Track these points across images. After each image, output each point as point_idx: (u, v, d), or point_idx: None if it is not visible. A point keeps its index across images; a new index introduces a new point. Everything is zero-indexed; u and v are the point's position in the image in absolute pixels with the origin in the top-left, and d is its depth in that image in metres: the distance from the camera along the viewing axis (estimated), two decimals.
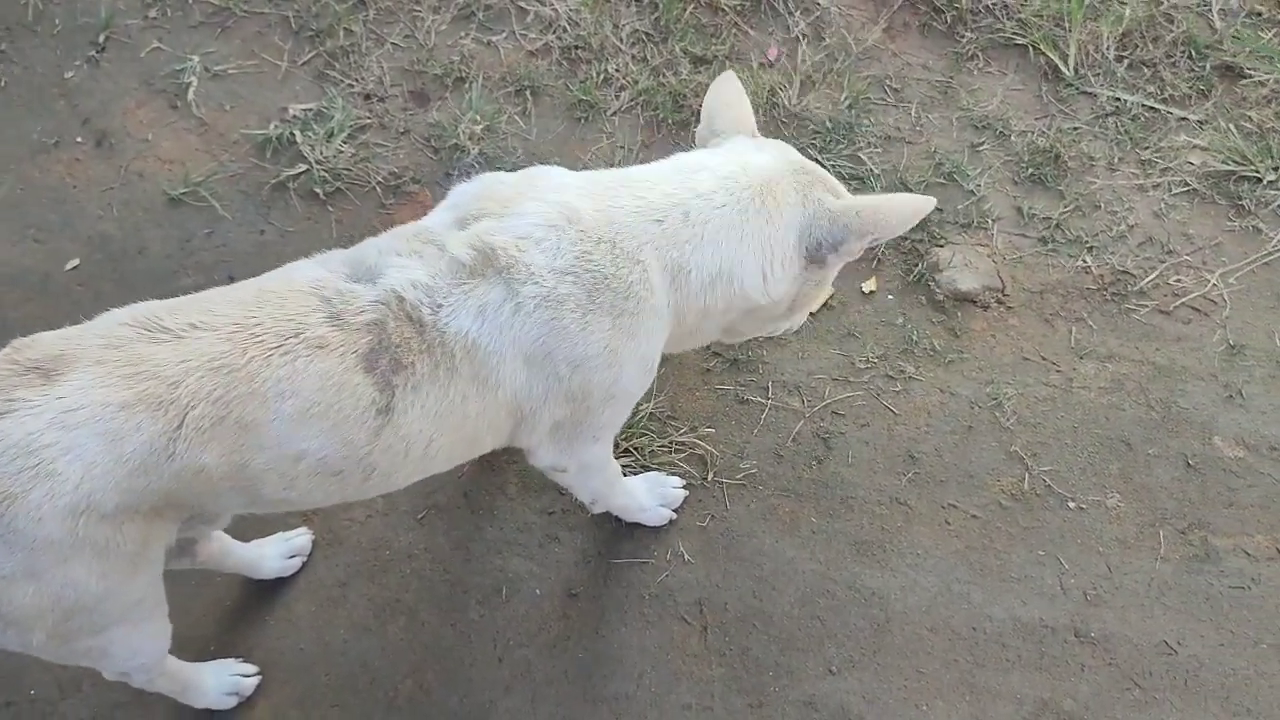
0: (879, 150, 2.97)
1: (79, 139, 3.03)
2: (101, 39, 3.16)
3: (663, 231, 1.86)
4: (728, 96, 2.09)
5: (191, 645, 2.34)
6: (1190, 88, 3.07)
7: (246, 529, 2.35)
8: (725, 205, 1.89)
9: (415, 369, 1.73)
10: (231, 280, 2.74)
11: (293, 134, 2.99)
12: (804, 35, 3.17)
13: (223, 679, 2.29)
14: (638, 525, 2.47)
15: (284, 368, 1.65)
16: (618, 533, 2.47)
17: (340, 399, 1.69)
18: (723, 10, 3.20)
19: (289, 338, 1.67)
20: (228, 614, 2.41)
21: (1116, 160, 2.98)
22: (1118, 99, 3.06)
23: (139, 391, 1.59)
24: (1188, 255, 2.84)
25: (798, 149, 2.92)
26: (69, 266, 2.84)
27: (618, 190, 1.89)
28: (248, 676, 2.31)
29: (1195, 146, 2.98)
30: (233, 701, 2.29)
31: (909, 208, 1.99)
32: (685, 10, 3.19)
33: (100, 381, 1.58)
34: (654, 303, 1.88)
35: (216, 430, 1.63)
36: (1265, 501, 2.51)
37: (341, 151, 2.97)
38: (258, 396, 1.64)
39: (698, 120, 2.97)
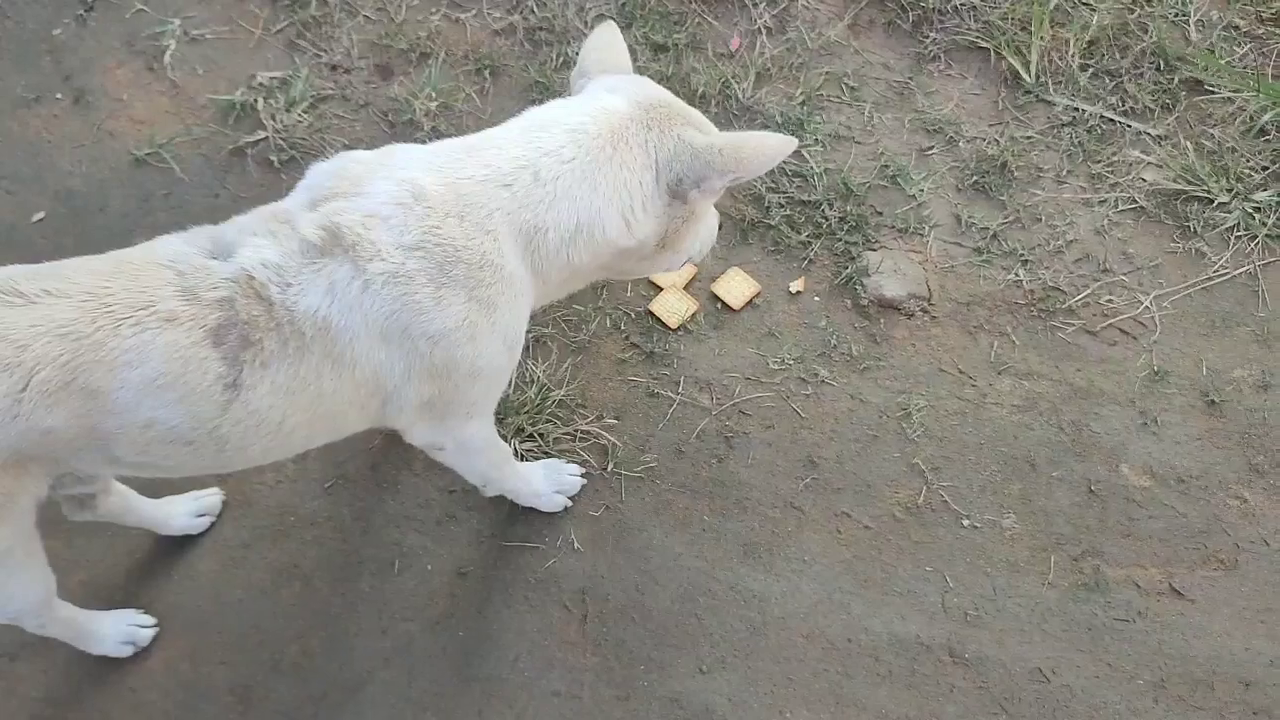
0: (825, 149, 2.94)
1: (59, 95, 3.13)
2: None
3: (513, 196, 1.86)
4: (601, 41, 2.10)
5: (100, 594, 2.45)
6: (1154, 101, 2.97)
7: (162, 486, 2.45)
8: (574, 159, 1.89)
9: (263, 346, 1.77)
10: None
11: (256, 101, 3.05)
12: (767, 27, 3.13)
13: (120, 628, 2.39)
14: (533, 510, 2.51)
15: (132, 338, 1.70)
16: (512, 515, 2.51)
17: (187, 371, 1.73)
18: None
19: (139, 309, 1.71)
20: (136, 566, 2.51)
21: (1065, 173, 2.90)
22: (1076, 109, 2.98)
23: None
24: (1124, 275, 2.76)
25: None
26: (35, 218, 2.95)
27: (464, 160, 1.89)
28: (145, 628, 2.41)
29: (1149, 163, 2.89)
30: (128, 650, 2.39)
31: (771, 147, 1.98)
32: None
33: None
34: (509, 270, 1.88)
35: (61, 395, 1.69)
36: (1164, 534, 2.46)
37: (300, 120, 3.03)
38: (104, 364, 1.69)
39: None
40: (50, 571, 2.07)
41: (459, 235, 1.83)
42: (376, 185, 1.84)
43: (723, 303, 2.75)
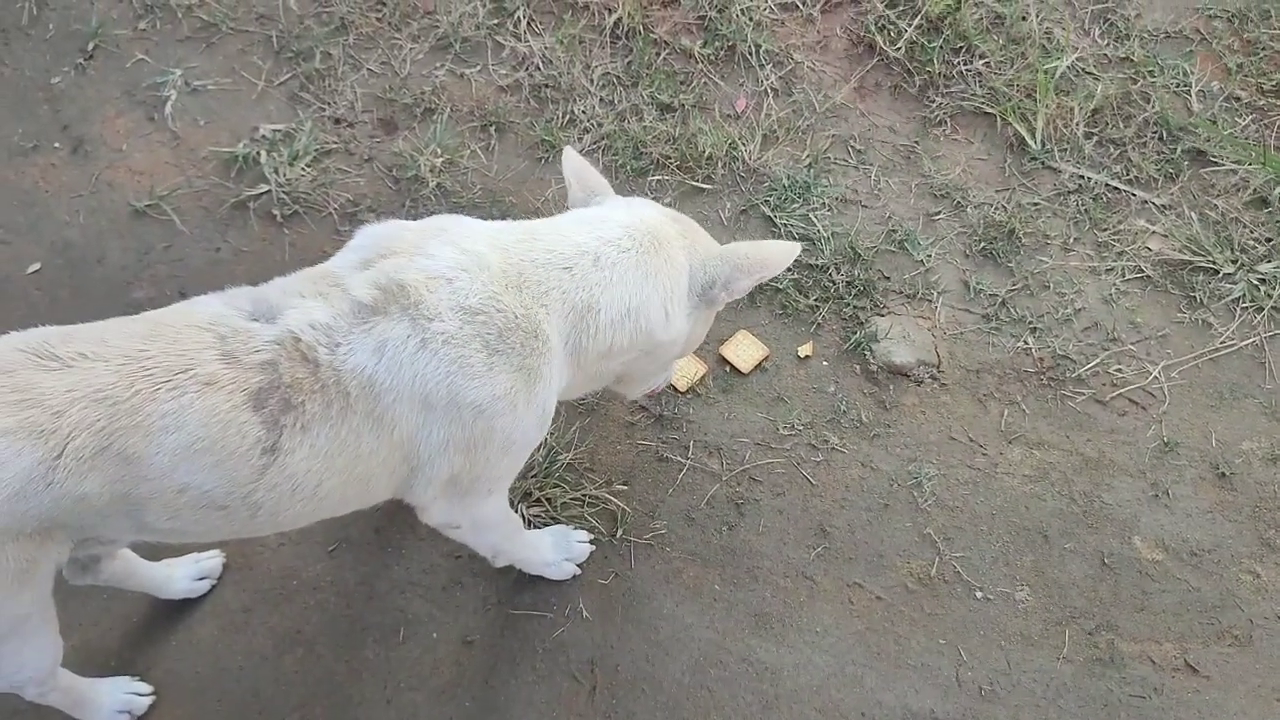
0: (832, 213, 2.94)
1: (56, 144, 3.10)
2: (90, 47, 3.22)
3: (572, 277, 1.94)
4: (573, 168, 2.20)
5: (95, 659, 2.39)
6: (1158, 170, 3.01)
7: (161, 549, 2.40)
8: (631, 249, 1.99)
9: (305, 409, 1.75)
10: (183, 295, 2.83)
11: (259, 154, 3.03)
12: (773, 89, 3.15)
13: (117, 696, 2.32)
14: (541, 577, 2.47)
15: (169, 402, 1.68)
16: (520, 583, 2.47)
17: (225, 436, 1.71)
18: (695, 58, 3.19)
19: (178, 373, 1.70)
20: (133, 630, 2.45)
21: (1072, 240, 2.92)
22: (1081, 176, 3.00)
23: (21, 419, 1.62)
24: (1132, 344, 2.78)
25: (751, 205, 2.95)
26: (30, 270, 2.90)
27: (527, 241, 1.96)
28: (142, 695, 2.35)
29: (1154, 232, 2.91)
30: (124, 719, 2.33)
31: (783, 251, 2.15)
32: (659, 56, 3.19)
33: None
34: (553, 346, 1.93)
35: (97, 460, 1.66)
36: (1178, 609, 2.45)
37: (304, 175, 3.00)
38: (141, 430, 1.67)
39: (656, 168, 3.00)
40: (59, 639, 2.02)
41: (516, 305, 1.87)
42: (440, 249, 1.87)
43: (731, 366, 2.73)
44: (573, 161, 2.21)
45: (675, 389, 2.70)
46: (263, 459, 1.74)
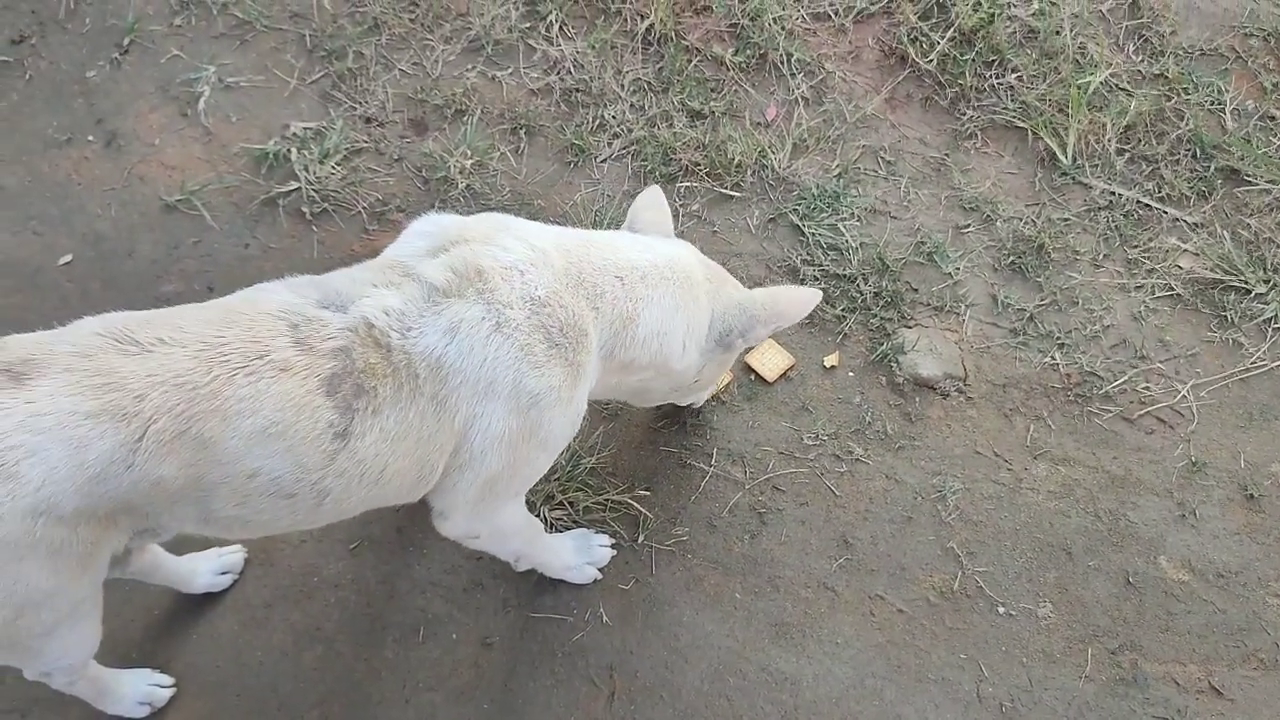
0: (861, 223, 2.94)
1: (90, 138, 3.12)
2: (126, 42, 3.24)
3: (623, 286, 2.03)
4: (650, 202, 2.32)
5: (116, 650, 2.39)
6: (1190, 188, 2.99)
7: (184, 543, 2.40)
8: (670, 279, 2.10)
9: (377, 393, 1.80)
10: (210, 291, 2.85)
11: (289, 152, 3.04)
12: (804, 98, 3.14)
13: (139, 688, 2.34)
14: (562, 580, 2.47)
15: (246, 387, 1.72)
16: (540, 586, 2.47)
17: (299, 420, 1.74)
18: (726, 66, 3.19)
19: (254, 359, 1.74)
20: (155, 623, 2.46)
21: (1102, 257, 2.90)
22: (1113, 193, 2.99)
23: (105, 402, 1.65)
24: (1161, 363, 2.76)
25: (779, 213, 2.94)
26: (62, 261, 2.92)
27: (586, 246, 2.05)
28: (163, 687, 2.36)
29: (1186, 250, 2.90)
30: (145, 711, 2.34)
31: (803, 300, 2.29)
32: (690, 63, 3.19)
33: (68, 389, 1.65)
34: (593, 348, 2.01)
35: (176, 444, 1.69)
36: (1203, 631, 2.43)
37: (334, 173, 3.01)
38: (219, 414, 1.71)
39: (686, 175, 3.00)
40: (101, 629, 2.04)
41: (573, 303, 1.95)
42: (510, 242, 1.94)
43: (756, 374, 2.73)
44: (657, 195, 2.34)
45: (763, 378, 2.71)
46: (334, 444, 1.78)
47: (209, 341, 1.73)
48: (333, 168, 3.02)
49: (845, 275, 2.86)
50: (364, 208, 2.97)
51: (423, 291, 1.87)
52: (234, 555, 2.50)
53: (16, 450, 1.61)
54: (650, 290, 2.07)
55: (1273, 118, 3.08)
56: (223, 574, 2.48)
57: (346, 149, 3.05)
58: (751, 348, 2.63)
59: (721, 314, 2.20)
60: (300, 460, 1.77)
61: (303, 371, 1.75)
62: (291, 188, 3.00)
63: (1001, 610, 2.46)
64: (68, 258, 2.92)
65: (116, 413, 1.65)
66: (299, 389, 1.74)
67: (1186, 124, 3.05)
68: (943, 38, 3.18)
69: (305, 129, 3.10)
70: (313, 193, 2.98)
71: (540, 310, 1.90)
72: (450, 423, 1.88)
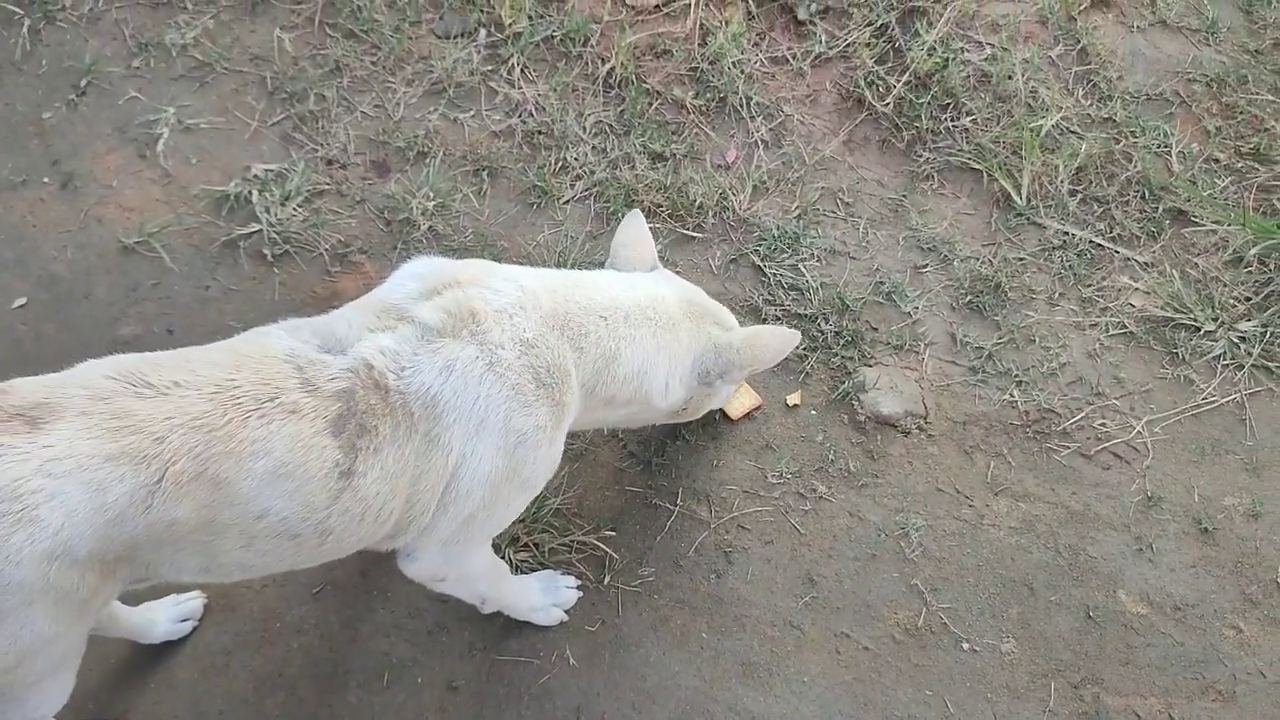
0: (821, 263, 2.98)
1: (46, 179, 3.08)
2: (83, 84, 3.22)
3: (606, 325, 2.11)
4: (630, 236, 2.37)
5: (72, 702, 2.29)
6: (1140, 228, 3.07)
7: (141, 595, 2.36)
8: (652, 320, 2.19)
9: (378, 432, 1.84)
10: (170, 334, 2.82)
11: (250, 193, 3.03)
12: (764, 141, 3.19)
13: None
14: (527, 622, 2.45)
15: (260, 429, 1.75)
16: (506, 628, 2.46)
17: (308, 460, 1.78)
18: (687, 109, 3.23)
19: (265, 401, 1.77)
20: (111, 672, 2.41)
21: (1057, 295, 2.96)
22: (1066, 233, 3.06)
23: (124, 445, 1.67)
24: (1116, 399, 2.81)
25: (740, 254, 2.97)
26: (16, 304, 2.88)
27: (571, 288, 2.13)
28: None
29: (1137, 289, 2.97)
30: None
31: (779, 342, 2.37)
32: (650, 105, 3.23)
33: (87, 433, 1.65)
34: (575, 387, 2.06)
35: (192, 485, 1.71)
36: (1162, 663, 2.47)
37: (295, 215, 3.01)
38: (233, 455, 1.73)
39: (648, 216, 3.02)
40: (74, 679, 2.00)
41: (556, 344, 2.02)
42: (500, 284, 2.01)
43: (721, 411, 2.74)
44: (637, 227, 2.39)
45: (727, 416, 2.73)
46: (339, 483, 1.81)
47: (222, 384, 1.76)
48: (294, 209, 3.01)
49: (806, 315, 2.89)
50: (326, 249, 2.97)
51: (417, 332, 1.92)
52: (193, 602, 2.46)
53: (36, 494, 1.62)
54: (633, 330, 2.14)
55: (1216, 160, 3.17)
56: (182, 621, 2.44)
57: (308, 191, 3.05)
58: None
59: (701, 355, 2.27)
60: (307, 500, 1.80)
61: (311, 413, 1.79)
62: (253, 229, 2.99)
63: (966, 646, 2.48)
64: (22, 300, 2.88)
65: (136, 455, 1.67)
66: (308, 430, 1.78)
67: (1135, 166, 3.14)
68: (899, 81, 3.25)
69: (266, 171, 3.09)
70: (274, 234, 2.97)
71: (529, 351, 1.96)
72: (443, 459, 1.92)
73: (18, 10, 3.29)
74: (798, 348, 2.83)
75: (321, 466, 1.79)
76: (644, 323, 2.16)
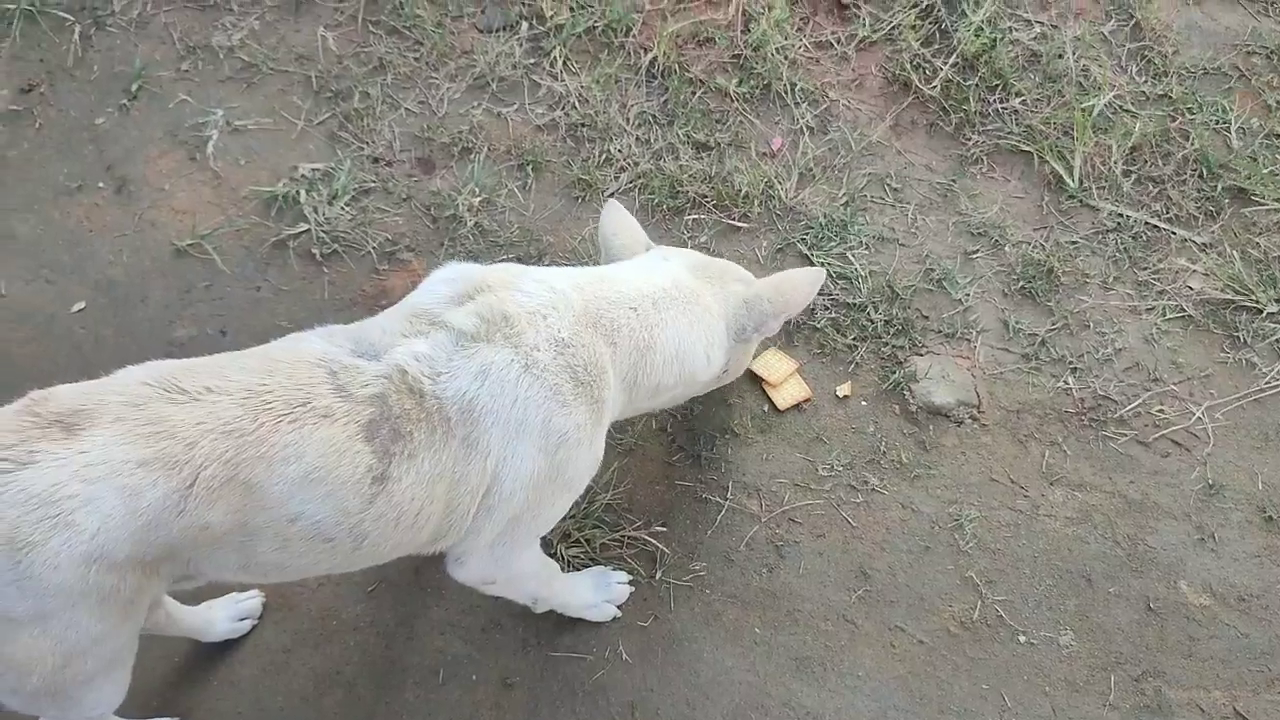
0: (869, 251, 2.94)
1: (101, 184, 3.13)
2: (134, 88, 3.26)
3: (637, 316, 2.10)
4: (613, 226, 2.37)
5: (136, 699, 2.37)
6: (1198, 208, 2.99)
7: (199, 594, 2.40)
8: (677, 298, 2.18)
9: (413, 437, 1.85)
10: (223, 335, 2.86)
11: (298, 193, 3.05)
12: (809, 127, 3.16)
13: None
14: (580, 619, 2.46)
15: (291, 434, 1.77)
16: (559, 624, 2.47)
17: (340, 465, 1.79)
18: (730, 97, 3.20)
19: (297, 406, 1.79)
20: (174, 671, 2.46)
21: (1112, 279, 2.90)
22: (1120, 215, 2.99)
23: (157, 450, 1.70)
24: (1175, 385, 2.76)
25: (787, 243, 2.95)
26: (75, 309, 2.93)
27: (599, 283, 2.12)
28: None
29: (1195, 271, 2.90)
30: None
31: (807, 282, 2.36)
32: (694, 95, 3.21)
33: (121, 438, 1.69)
34: (612, 382, 2.06)
35: (224, 490, 1.74)
36: (1227, 656, 2.42)
37: (343, 214, 3.03)
38: (265, 460, 1.75)
39: (693, 207, 3.01)
40: (129, 679, 2.04)
41: (591, 341, 2.02)
42: (531, 286, 2.01)
43: (770, 403, 2.72)
44: (619, 215, 2.38)
45: (776, 407, 2.72)
46: (373, 488, 1.82)
47: (254, 389, 1.78)
48: (341, 208, 3.03)
49: (855, 304, 2.86)
50: (373, 248, 2.99)
51: (451, 338, 1.92)
52: (251, 601, 2.50)
53: (73, 499, 1.65)
54: (662, 314, 2.14)
55: (1277, 135, 3.08)
56: (241, 620, 2.48)
57: (355, 189, 3.07)
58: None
59: (733, 314, 2.27)
60: (340, 504, 1.81)
61: (343, 418, 1.80)
62: (301, 229, 3.01)
63: (1022, 639, 2.45)
64: (80, 305, 2.93)
65: (168, 460, 1.70)
66: (340, 435, 1.79)
67: (1192, 144, 3.06)
68: (945, 64, 3.19)
69: (313, 170, 3.11)
70: (322, 234, 3.00)
71: (565, 351, 1.97)
72: (482, 463, 1.93)
73: (69, 16, 3.34)
74: (847, 337, 2.81)
75: (354, 471, 1.80)
76: (671, 304, 2.16)
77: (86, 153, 3.18)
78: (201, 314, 2.91)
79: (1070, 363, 2.79)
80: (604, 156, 3.12)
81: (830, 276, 2.89)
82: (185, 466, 1.70)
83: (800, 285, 2.34)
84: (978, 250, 2.96)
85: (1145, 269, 2.92)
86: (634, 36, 3.28)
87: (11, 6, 3.33)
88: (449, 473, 1.90)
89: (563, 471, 2.02)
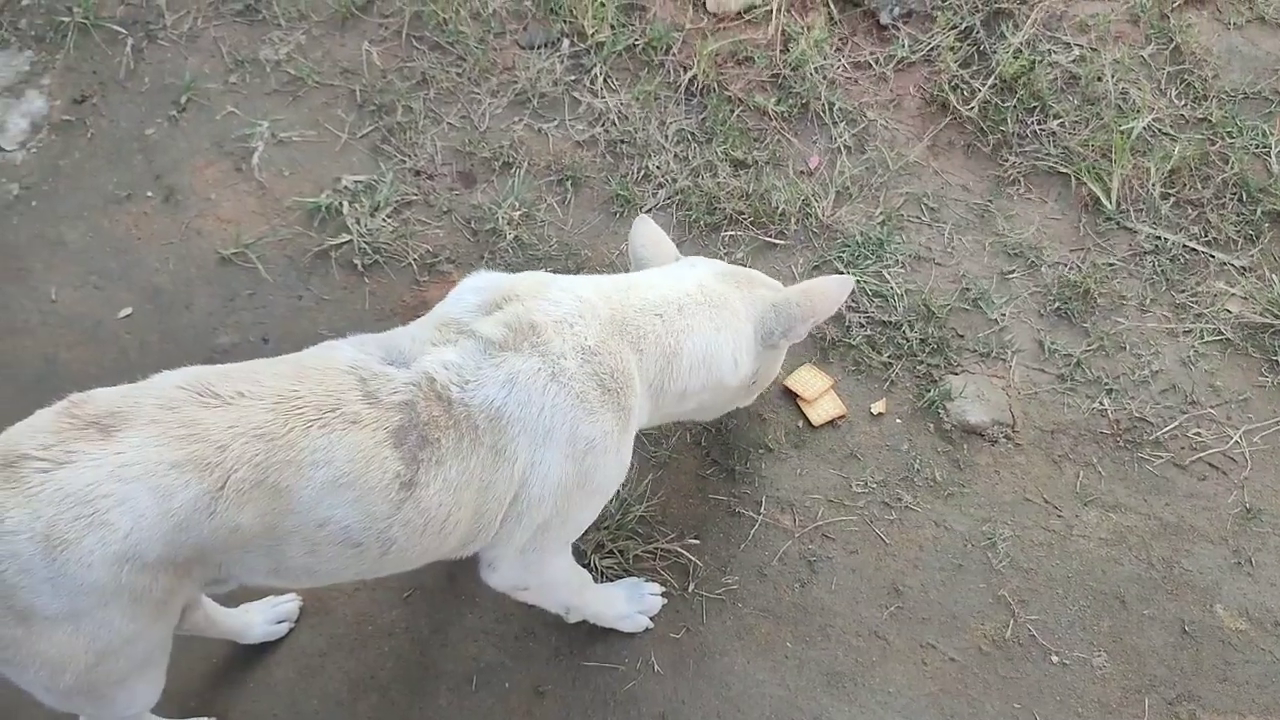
0: (906, 270, 2.96)
1: (149, 193, 3.20)
2: (183, 100, 3.33)
3: (663, 323, 2.12)
4: (645, 239, 2.39)
5: (174, 699, 2.42)
6: (1237, 232, 2.99)
7: (237, 596, 2.44)
8: (704, 303, 2.18)
9: (441, 444, 1.88)
10: (266, 343, 2.91)
11: (341, 204, 3.11)
12: (846, 146, 3.18)
13: None
14: (612, 629, 2.48)
15: (320, 439, 1.79)
16: (592, 634, 2.49)
17: (368, 470, 1.82)
18: (769, 116, 3.23)
19: (327, 411, 1.81)
20: (211, 672, 2.49)
21: (1149, 301, 2.90)
22: (1158, 237, 2.99)
23: (189, 452, 1.73)
24: (1212, 408, 2.75)
25: (824, 261, 2.97)
26: (121, 314, 2.99)
27: (625, 291, 2.14)
28: None
29: (1234, 295, 2.89)
30: None
31: (836, 288, 2.35)
32: (733, 113, 3.24)
33: (154, 440, 1.73)
34: (639, 389, 2.08)
35: (254, 493, 1.77)
36: (1263, 681, 2.40)
37: (384, 225, 3.07)
38: (294, 464, 1.78)
39: (730, 224, 3.04)
40: (164, 680, 2.08)
41: (618, 349, 2.04)
42: (557, 295, 2.03)
43: (805, 418, 2.74)
44: (650, 229, 2.41)
45: (810, 423, 2.73)
46: (400, 494, 1.85)
47: (285, 395, 1.81)
48: (383, 220, 3.08)
49: (891, 322, 2.88)
50: (414, 259, 3.03)
51: (479, 346, 1.95)
52: (289, 604, 2.53)
53: (107, 499, 1.69)
54: (688, 320, 2.14)
55: None
56: (278, 623, 2.51)
57: (396, 201, 3.12)
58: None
59: (760, 319, 2.27)
60: (368, 510, 1.84)
61: (372, 424, 1.82)
62: (343, 240, 3.06)
63: (1055, 659, 2.45)
64: (127, 311, 2.99)
65: (200, 463, 1.73)
66: (369, 441, 1.81)
67: (1231, 167, 3.05)
68: (984, 85, 3.21)
69: (356, 182, 3.17)
70: (364, 245, 3.04)
71: (591, 359, 1.98)
72: (510, 470, 1.95)
73: (122, 30, 3.42)
74: (882, 355, 2.82)
75: (382, 477, 1.82)
76: (697, 309, 2.16)
77: (136, 162, 3.25)
78: (244, 321, 2.96)
79: (1106, 384, 2.78)
80: (642, 173, 3.15)
81: (866, 294, 2.90)
82: (216, 469, 1.73)
83: (829, 291, 2.34)
84: (1014, 270, 2.97)
85: (1183, 292, 2.92)
86: (674, 55, 3.32)
87: (66, 19, 3.42)
88: (476, 480, 1.92)
89: (590, 478, 2.03)
